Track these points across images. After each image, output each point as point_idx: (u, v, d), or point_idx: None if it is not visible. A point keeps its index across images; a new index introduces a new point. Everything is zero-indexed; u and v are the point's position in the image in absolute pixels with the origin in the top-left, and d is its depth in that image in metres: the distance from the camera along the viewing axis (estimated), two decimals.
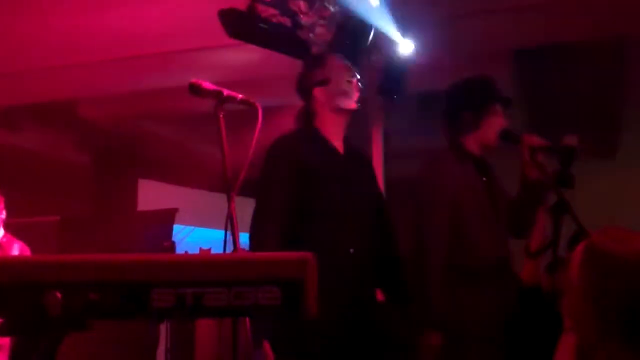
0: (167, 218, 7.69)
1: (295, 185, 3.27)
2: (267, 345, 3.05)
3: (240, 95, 2.64)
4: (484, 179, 3.69)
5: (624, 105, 7.96)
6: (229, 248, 2.38)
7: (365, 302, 3.32)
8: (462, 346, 3.45)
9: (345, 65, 3.55)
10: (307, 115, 3.50)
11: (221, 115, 2.58)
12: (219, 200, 2.60)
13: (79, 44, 5.99)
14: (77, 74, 6.61)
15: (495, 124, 3.67)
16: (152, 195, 8.91)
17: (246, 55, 5.75)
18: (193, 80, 2.60)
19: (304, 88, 3.53)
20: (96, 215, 8.64)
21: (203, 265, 1.48)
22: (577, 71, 6.77)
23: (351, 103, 3.46)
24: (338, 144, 3.46)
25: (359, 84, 3.52)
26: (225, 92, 2.61)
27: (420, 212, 3.63)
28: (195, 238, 9.14)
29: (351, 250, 3.27)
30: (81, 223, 8.27)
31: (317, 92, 3.46)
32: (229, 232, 2.45)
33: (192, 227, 9.20)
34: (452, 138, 3.75)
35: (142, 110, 7.79)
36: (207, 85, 2.62)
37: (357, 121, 3.68)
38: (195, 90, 2.61)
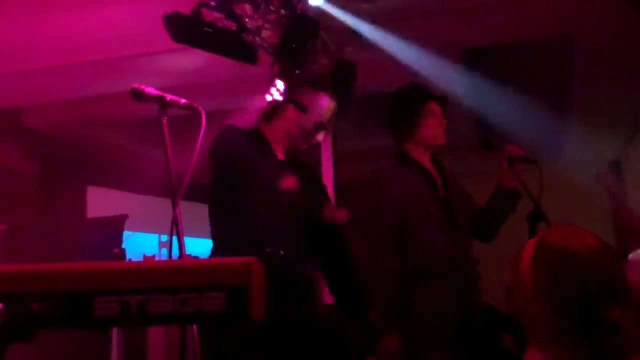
0: (116, 225, 7.60)
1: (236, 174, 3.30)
2: None
3: (183, 100, 2.63)
4: (432, 180, 3.76)
5: (569, 103, 8.08)
6: (175, 253, 2.37)
7: (298, 304, 3.34)
8: (418, 347, 3.48)
9: (329, 110, 3.57)
10: (265, 119, 3.51)
11: (164, 120, 2.57)
12: (166, 205, 2.59)
13: (22, 51, 5.92)
14: (21, 82, 6.52)
15: (431, 124, 3.74)
16: (101, 202, 8.82)
17: (192, 60, 5.72)
18: (135, 85, 2.58)
19: (287, 92, 3.56)
20: (45, 223, 8.51)
21: (146, 272, 1.47)
22: (523, 70, 6.85)
23: (303, 145, 3.51)
24: (279, 152, 3.48)
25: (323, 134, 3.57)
26: (168, 97, 2.60)
27: (368, 221, 3.69)
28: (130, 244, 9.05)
29: (267, 250, 3.26)
30: (29, 231, 8.13)
31: (290, 110, 3.48)
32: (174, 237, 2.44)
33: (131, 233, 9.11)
34: (397, 146, 3.84)
35: (89, 116, 7.71)
36: (150, 90, 2.60)
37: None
38: (137, 95, 2.59)
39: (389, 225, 3.60)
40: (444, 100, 3.83)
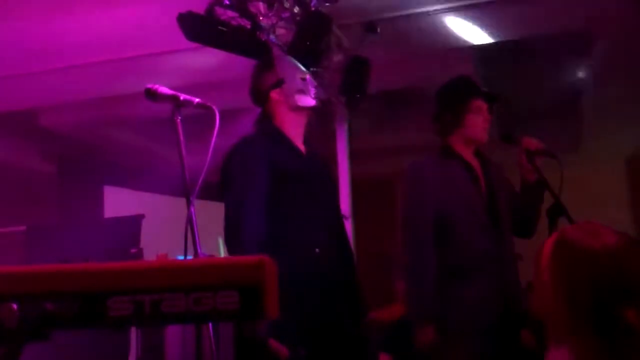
0: (133, 224, 7.62)
1: (268, 184, 3.26)
2: (273, 342, 3.03)
3: (197, 100, 2.63)
4: (474, 175, 3.76)
5: (585, 99, 8.04)
6: (190, 252, 2.37)
7: (333, 302, 3.31)
8: (452, 340, 3.49)
9: (295, 64, 3.55)
10: (267, 119, 3.49)
11: (178, 120, 2.57)
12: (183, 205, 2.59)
13: (36, 52, 5.94)
14: (36, 83, 6.54)
15: (478, 120, 3.74)
16: (118, 201, 8.85)
17: (207, 59, 5.73)
18: (149, 85, 2.59)
19: (260, 93, 3.52)
20: (62, 223, 8.55)
21: (160, 272, 1.47)
22: (538, 66, 6.82)
23: (309, 100, 3.46)
24: (299, 144, 3.46)
25: (314, 80, 3.54)
26: (182, 96, 2.60)
27: (408, 213, 3.69)
28: None
29: (317, 250, 3.26)
30: (48, 232, 8.17)
31: (274, 94, 3.46)
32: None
33: None
34: (441, 139, 3.85)
35: (105, 116, 7.74)
36: (163, 90, 2.61)
37: (321, 121, 3.69)
38: (151, 95, 2.60)
39: (428, 219, 3.62)
40: (492, 97, 3.82)
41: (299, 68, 3.54)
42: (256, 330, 3.01)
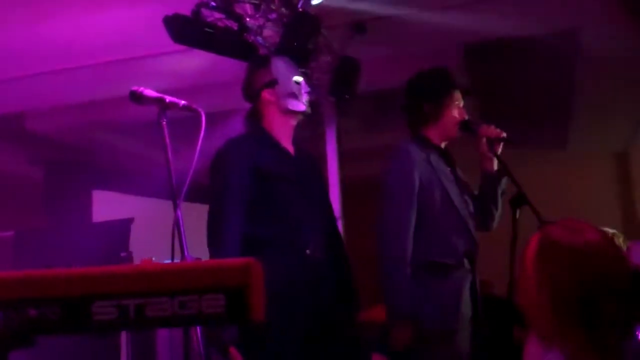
0: (122, 228, 7.60)
1: (251, 188, 3.24)
2: (234, 351, 3.01)
3: (182, 102, 2.61)
4: (450, 169, 3.69)
5: (574, 96, 8.05)
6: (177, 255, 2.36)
7: (324, 302, 3.30)
8: (429, 338, 3.45)
9: (291, 66, 3.53)
10: (256, 118, 3.47)
11: (164, 122, 2.55)
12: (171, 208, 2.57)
13: (23, 56, 5.92)
14: (23, 87, 6.52)
15: (455, 115, 3.66)
16: (107, 205, 8.82)
17: (194, 61, 5.71)
18: (134, 88, 2.57)
19: (251, 90, 3.50)
20: (51, 228, 8.52)
21: (144, 276, 1.45)
22: (528, 64, 6.83)
23: (300, 105, 3.44)
24: (288, 146, 3.44)
25: (307, 85, 3.51)
26: (168, 98, 2.59)
27: (387, 205, 3.58)
28: None
29: (307, 252, 3.25)
30: (36, 237, 8.15)
31: (266, 94, 3.43)
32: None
33: None
34: (414, 130, 3.74)
35: (92, 120, 7.72)
36: (149, 92, 2.59)
37: (310, 122, 3.67)
38: (136, 98, 2.58)
39: (411, 209, 3.51)
40: (467, 91, 3.78)
41: (294, 71, 3.51)
42: (220, 336, 2.99)
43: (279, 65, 3.49)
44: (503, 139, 3.60)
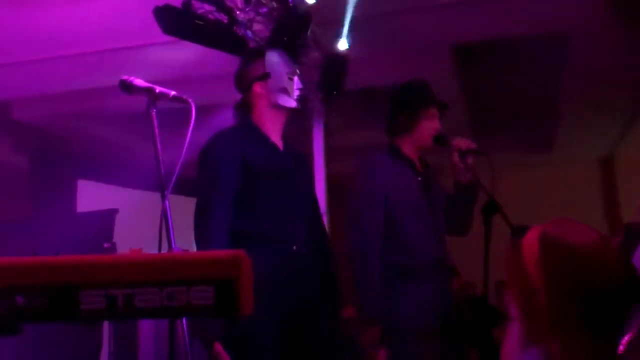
0: (106, 219, 7.58)
1: (238, 182, 3.23)
2: (218, 346, 3.00)
3: (172, 92, 2.60)
4: (419, 179, 3.76)
5: (560, 100, 8.09)
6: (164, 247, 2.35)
7: (308, 297, 3.30)
8: (399, 340, 3.49)
9: (286, 61, 3.52)
10: (246, 111, 3.47)
11: (153, 113, 2.54)
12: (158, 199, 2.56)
13: (9, 44, 5.88)
14: (9, 75, 6.47)
15: (429, 127, 3.77)
16: (92, 195, 8.78)
17: (183, 53, 5.69)
18: (124, 77, 2.55)
19: (243, 81, 3.49)
20: (35, 217, 8.48)
21: (133, 266, 1.45)
22: (515, 66, 6.85)
23: (291, 101, 3.43)
24: (277, 141, 3.44)
25: (300, 81, 3.51)
26: (157, 89, 2.57)
27: (355, 211, 3.68)
28: None
29: (294, 247, 3.25)
30: (21, 226, 8.12)
31: (257, 87, 3.43)
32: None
33: None
34: (389, 138, 3.86)
35: (79, 110, 7.67)
36: (139, 82, 2.57)
37: (297, 117, 3.67)
38: (126, 87, 2.56)
39: (378, 215, 3.61)
40: (444, 107, 3.85)
41: (289, 66, 3.50)
42: (205, 330, 2.99)
43: (274, 60, 3.48)
44: (474, 151, 3.69)
